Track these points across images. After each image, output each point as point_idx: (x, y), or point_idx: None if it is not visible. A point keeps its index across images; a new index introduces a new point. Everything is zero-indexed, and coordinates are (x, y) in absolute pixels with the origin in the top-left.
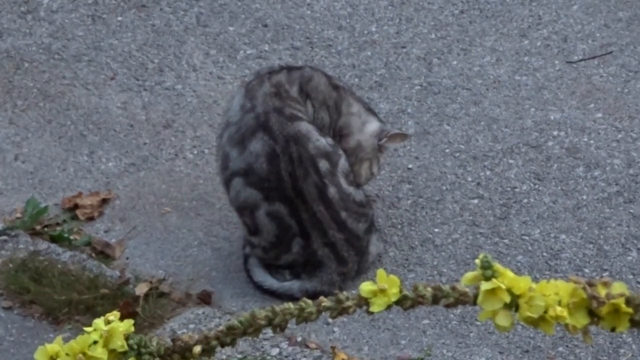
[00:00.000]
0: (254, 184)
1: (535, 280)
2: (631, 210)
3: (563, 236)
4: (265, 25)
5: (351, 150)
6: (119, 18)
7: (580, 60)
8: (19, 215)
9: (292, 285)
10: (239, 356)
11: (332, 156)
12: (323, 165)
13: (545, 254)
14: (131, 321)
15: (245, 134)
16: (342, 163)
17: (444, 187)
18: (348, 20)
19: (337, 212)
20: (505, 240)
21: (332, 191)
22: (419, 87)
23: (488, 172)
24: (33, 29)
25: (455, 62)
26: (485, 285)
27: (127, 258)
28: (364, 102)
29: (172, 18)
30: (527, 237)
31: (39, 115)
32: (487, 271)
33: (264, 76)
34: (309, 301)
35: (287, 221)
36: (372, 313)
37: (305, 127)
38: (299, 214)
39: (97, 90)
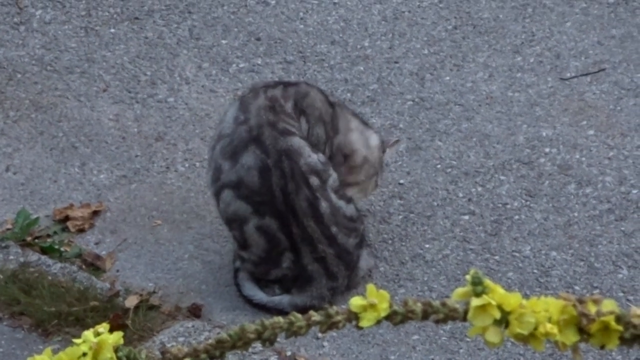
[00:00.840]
0: (244, 196)
1: (526, 297)
2: (622, 228)
3: (554, 253)
4: (258, 39)
5: (359, 167)
6: (112, 30)
7: (573, 77)
8: (9, 226)
9: (282, 299)
10: None
11: (322, 174)
12: (314, 181)
13: (535, 270)
14: (120, 333)
15: (238, 147)
16: (332, 181)
17: (435, 203)
18: (341, 35)
19: (327, 227)
20: (496, 257)
21: (323, 205)
22: (411, 102)
23: (479, 188)
24: (26, 40)
25: (447, 78)
26: (475, 302)
27: (118, 270)
28: (359, 117)
29: (165, 31)
30: (517, 254)
31: (30, 126)
32: (478, 287)
33: (259, 90)
34: (299, 315)
35: (277, 236)
36: (361, 328)
37: (297, 142)
38: (289, 229)
39: (89, 102)
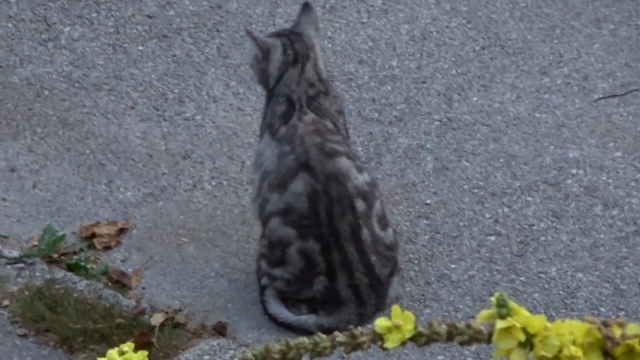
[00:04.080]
0: (291, 222)
1: (551, 318)
2: None
3: (580, 275)
4: None
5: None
6: (140, 47)
7: (601, 98)
8: (35, 243)
9: (308, 319)
10: None
11: (368, 196)
12: (360, 205)
13: (561, 292)
14: (145, 352)
15: (286, 176)
16: (377, 206)
17: (461, 223)
18: (369, 55)
19: (367, 255)
20: (522, 278)
21: (365, 233)
22: (439, 122)
23: (506, 209)
24: (54, 56)
25: (475, 98)
26: (500, 324)
27: (144, 288)
28: None
29: (193, 49)
30: (543, 275)
31: (58, 143)
32: (502, 309)
33: (294, 122)
34: (323, 336)
35: (316, 259)
36: (386, 349)
37: (345, 164)
38: (329, 253)
39: (117, 120)
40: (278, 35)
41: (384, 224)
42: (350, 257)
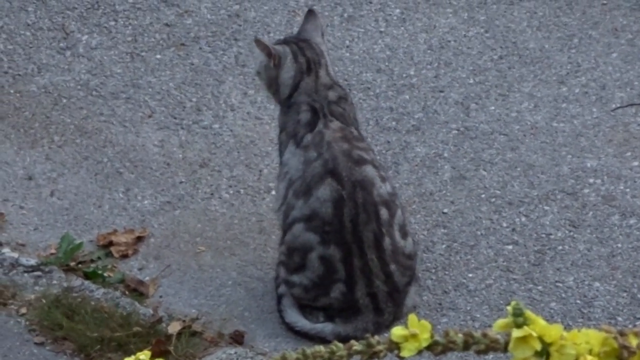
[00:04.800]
0: (314, 228)
1: (568, 328)
2: None
3: (597, 284)
4: None
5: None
6: (158, 56)
7: (618, 107)
8: (53, 251)
9: (325, 327)
10: None
11: (391, 206)
12: (383, 213)
13: (578, 301)
14: None
15: (312, 182)
16: (399, 215)
17: (478, 232)
18: (387, 64)
19: (387, 264)
20: (539, 287)
21: (387, 242)
22: (456, 131)
23: (523, 218)
24: (72, 65)
25: (492, 108)
26: (516, 333)
27: (161, 296)
28: None
29: (210, 57)
30: (560, 284)
31: (75, 151)
32: (519, 318)
33: (320, 129)
34: (340, 344)
35: (337, 266)
36: (402, 358)
37: (370, 172)
38: (351, 260)
39: (134, 128)
40: (286, 42)
41: (404, 232)
42: (371, 264)
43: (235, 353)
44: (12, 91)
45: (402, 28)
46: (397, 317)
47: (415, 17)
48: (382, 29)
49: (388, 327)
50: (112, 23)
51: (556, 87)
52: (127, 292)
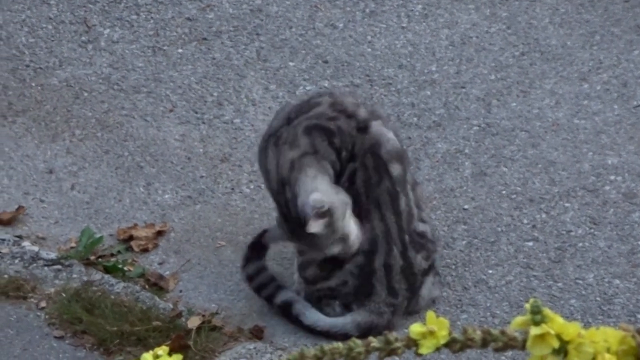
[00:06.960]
0: None
1: (588, 325)
2: None
3: (617, 281)
4: (326, 62)
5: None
6: (180, 50)
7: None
8: (73, 244)
9: (345, 322)
10: None
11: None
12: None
13: (598, 298)
14: (180, 356)
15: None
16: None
17: (499, 229)
18: (408, 59)
19: (403, 232)
20: (559, 284)
21: (402, 203)
22: (477, 127)
23: (544, 215)
24: (93, 59)
25: (514, 104)
26: (534, 330)
27: (181, 291)
28: None
29: (232, 52)
30: (581, 281)
31: (96, 145)
32: (537, 316)
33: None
34: (358, 341)
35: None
36: (421, 355)
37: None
38: (372, 224)
39: (155, 122)
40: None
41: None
42: (390, 225)
43: (255, 348)
44: (33, 84)
45: (424, 24)
46: (412, 305)
47: (437, 13)
48: (404, 25)
49: (404, 315)
50: (134, 17)
51: (578, 84)
52: (147, 287)
